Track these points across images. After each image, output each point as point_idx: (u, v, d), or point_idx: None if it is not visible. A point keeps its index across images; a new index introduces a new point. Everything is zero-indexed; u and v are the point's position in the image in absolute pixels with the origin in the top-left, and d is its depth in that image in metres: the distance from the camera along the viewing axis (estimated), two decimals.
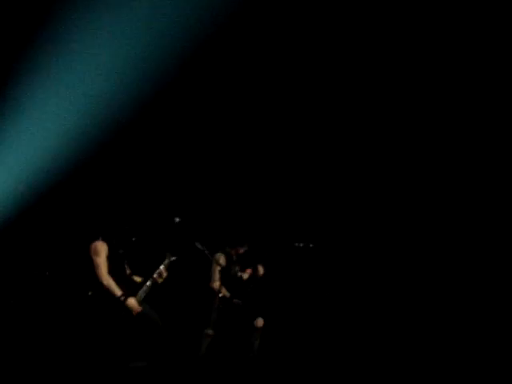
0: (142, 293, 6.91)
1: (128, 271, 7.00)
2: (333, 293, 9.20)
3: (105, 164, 9.00)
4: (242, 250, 8.21)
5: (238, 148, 9.54)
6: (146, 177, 9.16)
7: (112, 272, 6.72)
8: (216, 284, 7.92)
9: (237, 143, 9.50)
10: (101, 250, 6.70)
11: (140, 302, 6.82)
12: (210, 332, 7.92)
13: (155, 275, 6.96)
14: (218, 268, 7.90)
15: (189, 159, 9.43)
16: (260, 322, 8.09)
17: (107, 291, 6.66)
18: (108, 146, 8.81)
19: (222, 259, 8.05)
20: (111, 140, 8.76)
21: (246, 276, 8.18)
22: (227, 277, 8.01)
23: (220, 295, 7.92)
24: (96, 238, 6.78)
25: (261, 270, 8.25)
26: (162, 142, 9.33)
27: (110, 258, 6.72)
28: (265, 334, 8.11)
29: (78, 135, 8.68)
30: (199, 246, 7.46)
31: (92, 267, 6.69)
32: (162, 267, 7.01)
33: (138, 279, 7.05)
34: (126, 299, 6.69)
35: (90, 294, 6.78)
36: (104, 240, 6.78)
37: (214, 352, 7.85)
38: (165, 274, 7.02)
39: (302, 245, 8.11)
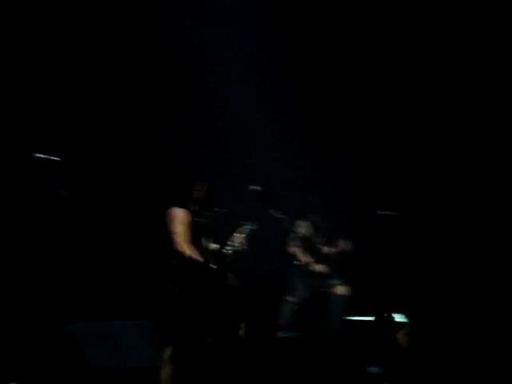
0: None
1: (206, 240, 6.85)
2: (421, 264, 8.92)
3: None
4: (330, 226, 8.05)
5: None
6: None
7: (192, 241, 6.55)
8: (292, 250, 7.83)
9: None
10: (184, 217, 6.55)
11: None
12: (290, 299, 7.86)
13: (234, 243, 6.80)
14: (299, 235, 7.78)
15: None
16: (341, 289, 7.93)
17: (190, 259, 6.49)
18: None
19: (304, 227, 7.91)
20: None
21: (331, 251, 8.04)
22: (309, 247, 7.88)
23: (299, 262, 7.83)
24: (175, 205, 6.64)
25: (349, 245, 8.06)
26: None
27: (190, 227, 6.58)
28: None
29: None
30: (279, 215, 7.37)
31: (171, 234, 6.55)
32: (240, 235, 6.84)
33: (215, 248, 6.84)
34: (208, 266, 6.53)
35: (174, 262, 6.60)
36: (184, 207, 6.64)
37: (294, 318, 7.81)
38: (243, 242, 6.85)
39: (384, 213, 7.77)
